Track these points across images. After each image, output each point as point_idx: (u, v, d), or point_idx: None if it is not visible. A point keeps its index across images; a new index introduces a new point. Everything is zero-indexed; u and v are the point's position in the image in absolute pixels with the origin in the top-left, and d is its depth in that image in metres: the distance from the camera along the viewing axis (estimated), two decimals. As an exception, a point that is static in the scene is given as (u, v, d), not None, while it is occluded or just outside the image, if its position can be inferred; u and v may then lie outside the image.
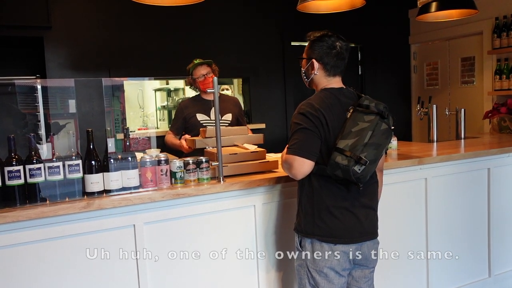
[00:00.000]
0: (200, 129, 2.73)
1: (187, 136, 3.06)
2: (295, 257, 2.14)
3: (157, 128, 5.69)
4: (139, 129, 5.41)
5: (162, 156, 2.16)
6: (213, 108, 3.23)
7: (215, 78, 2.27)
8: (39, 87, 2.88)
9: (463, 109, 4.05)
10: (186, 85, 5.16)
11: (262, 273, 2.40)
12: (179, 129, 3.34)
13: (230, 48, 4.89)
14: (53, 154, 2.05)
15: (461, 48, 5.22)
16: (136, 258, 2.09)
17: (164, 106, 5.89)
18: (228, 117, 3.35)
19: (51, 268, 1.92)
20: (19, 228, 1.85)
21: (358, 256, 2.03)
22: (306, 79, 2.14)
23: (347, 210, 1.98)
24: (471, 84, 5.15)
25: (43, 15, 3.88)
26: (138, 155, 2.23)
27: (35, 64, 4.30)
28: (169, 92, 5.90)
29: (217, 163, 2.27)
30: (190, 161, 2.21)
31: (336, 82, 2.08)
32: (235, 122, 3.36)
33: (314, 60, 2.05)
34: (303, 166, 1.89)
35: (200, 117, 3.28)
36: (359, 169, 1.84)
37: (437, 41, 5.50)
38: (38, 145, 2.06)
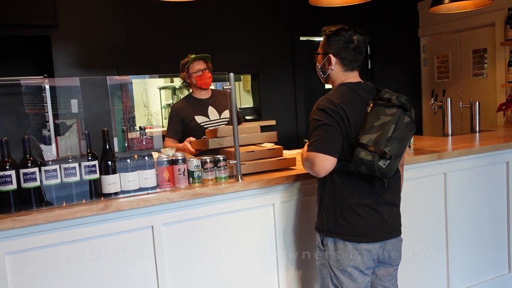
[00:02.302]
0: (206, 130, 2.66)
1: (191, 138, 2.92)
2: (316, 256, 2.09)
3: (163, 126, 5.64)
4: (139, 127, 5.30)
5: (179, 155, 2.11)
6: (210, 108, 3.18)
7: (232, 74, 2.20)
8: (47, 87, 2.83)
9: (477, 102, 3.98)
10: (180, 78, 4.97)
11: (282, 272, 2.35)
12: (178, 133, 3.16)
13: (238, 44, 4.83)
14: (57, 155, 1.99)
15: (472, 40, 5.14)
16: (155, 260, 2.04)
17: (169, 104, 5.84)
18: (227, 114, 3.24)
19: (69, 272, 1.88)
20: (37, 232, 1.80)
21: (382, 255, 1.98)
22: (322, 75, 2.08)
23: (371, 207, 1.93)
24: (483, 76, 5.07)
25: (50, 13, 3.83)
26: (153, 155, 2.18)
27: (42, 64, 4.25)
28: (174, 90, 5.84)
29: (235, 161, 2.22)
30: (208, 160, 2.16)
31: (354, 77, 2.02)
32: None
33: (331, 55, 1.99)
34: (326, 163, 1.84)
35: (199, 119, 3.14)
36: (384, 164, 1.79)
37: (447, 34, 5.43)
38: (46, 146, 2.01)
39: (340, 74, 2.01)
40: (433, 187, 2.84)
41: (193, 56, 3.17)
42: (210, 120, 3.16)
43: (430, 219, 2.84)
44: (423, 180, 2.80)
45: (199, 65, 3.13)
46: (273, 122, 4.85)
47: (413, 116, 1.90)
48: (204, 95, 3.23)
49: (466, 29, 5.16)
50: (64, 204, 1.88)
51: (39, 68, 4.21)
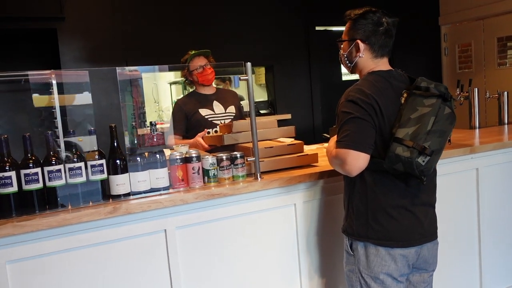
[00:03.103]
0: (220, 124, 2.49)
1: (203, 133, 2.76)
2: (344, 261, 1.91)
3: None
4: (150, 122, 5.17)
5: (193, 152, 1.95)
6: (214, 102, 3.01)
7: (249, 64, 2.03)
8: (54, 82, 2.69)
9: (506, 92, 3.75)
10: (181, 76, 4.73)
11: (305, 278, 2.18)
12: (183, 130, 3.00)
13: (250, 35, 4.65)
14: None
15: (497, 27, 4.90)
16: (169, 266, 1.89)
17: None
18: (232, 109, 3.08)
19: (76, 280, 1.73)
20: (40, 238, 1.65)
21: (417, 260, 1.80)
22: (348, 64, 1.89)
23: (406, 209, 1.75)
24: (505, 66, 4.83)
25: (56, 5, 3.68)
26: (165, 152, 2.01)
27: (48, 59, 4.12)
28: (184, 85, 5.69)
29: (253, 159, 2.04)
30: (224, 157, 1.99)
31: (384, 64, 1.84)
32: (238, 115, 3.10)
33: (359, 41, 1.80)
34: (359, 161, 1.65)
35: (203, 112, 2.97)
36: (424, 161, 1.61)
37: (469, 21, 5.18)
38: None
39: (369, 62, 1.83)
40: (465, 183, 2.65)
41: (193, 52, 3.01)
42: (216, 113, 3.00)
43: (461, 217, 2.65)
44: (454, 176, 2.60)
45: (199, 61, 2.97)
46: (288, 116, 4.67)
47: (453, 107, 1.71)
48: (208, 91, 3.08)
49: (490, 15, 4.91)
50: (69, 207, 1.72)
51: (45, 64, 4.07)
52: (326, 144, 3.05)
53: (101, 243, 1.76)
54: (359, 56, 1.82)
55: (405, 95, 1.74)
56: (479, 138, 3.01)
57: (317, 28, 4.89)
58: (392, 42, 1.84)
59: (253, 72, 5.16)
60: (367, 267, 1.79)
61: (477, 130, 3.49)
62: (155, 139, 2.09)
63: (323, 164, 2.30)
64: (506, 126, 3.65)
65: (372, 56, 1.82)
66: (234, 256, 2.02)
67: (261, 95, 5.11)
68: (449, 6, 5.26)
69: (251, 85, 2.03)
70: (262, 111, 4.69)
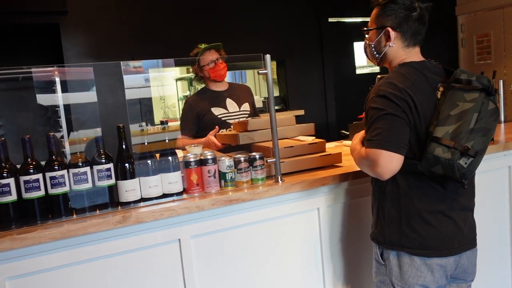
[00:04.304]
0: (234, 122, 2.32)
1: (215, 131, 2.57)
2: (374, 271, 1.74)
3: (180, 120, 5.33)
4: (160, 121, 5.10)
5: (209, 153, 1.78)
6: (228, 100, 2.82)
7: (268, 56, 1.86)
8: (57, 79, 2.53)
9: (532, 84, 3.55)
10: (192, 72, 4.51)
11: (330, 288, 2.01)
12: (193, 131, 2.80)
13: (260, 29, 4.47)
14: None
15: (519, 16, 4.69)
16: (183, 278, 1.73)
17: (186, 96, 5.56)
18: (247, 106, 2.89)
19: (83, 297, 1.57)
20: (42, 252, 1.50)
21: (455, 270, 1.63)
22: (376, 55, 1.71)
23: (444, 214, 1.58)
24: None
25: (58, -2, 3.53)
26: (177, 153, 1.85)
27: (51, 55, 3.97)
28: (191, 81, 5.54)
29: (274, 160, 1.88)
30: (242, 159, 1.82)
31: (416, 54, 1.66)
32: (252, 112, 2.91)
33: (389, 29, 1.62)
34: (392, 163, 1.47)
35: (216, 111, 2.78)
36: (466, 163, 1.44)
37: (488, 10, 4.96)
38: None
39: (400, 52, 1.65)
40: (496, 182, 2.48)
41: (203, 45, 2.79)
42: (229, 112, 2.81)
43: (493, 219, 2.47)
44: (485, 175, 2.41)
45: (210, 56, 2.76)
46: (301, 112, 4.49)
47: (497, 102, 1.53)
48: (220, 87, 2.87)
49: (511, 4, 4.69)
50: (74, 216, 1.57)
51: (47, 60, 3.92)
52: (345, 142, 2.88)
53: (110, 255, 1.60)
54: (389, 46, 1.64)
55: (441, 89, 1.56)
56: (507, 134, 2.82)
57: (330, 19, 4.70)
58: (425, 29, 1.66)
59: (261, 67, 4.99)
60: (400, 278, 1.62)
61: (502, 125, 3.29)
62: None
63: (347, 164, 2.13)
64: (532, 120, 3.46)
65: (404, 46, 1.64)
66: (254, 266, 1.86)
67: (267, 92, 4.94)
68: (467, -5, 5.06)
69: (270, 79, 1.86)
70: (269, 108, 4.52)
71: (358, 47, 4.91)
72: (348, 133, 2.95)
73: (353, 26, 4.77)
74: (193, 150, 1.94)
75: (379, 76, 2.81)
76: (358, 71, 4.99)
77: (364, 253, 2.06)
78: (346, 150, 2.45)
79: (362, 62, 5.02)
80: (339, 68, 4.87)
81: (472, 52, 5.23)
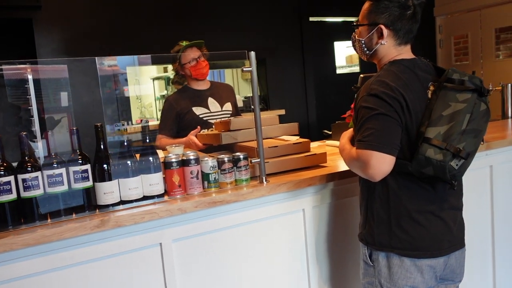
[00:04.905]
0: (216, 122, 2.26)
1: (196, 131, 2.49)
2: (361, 272, 1.71)
3: (157, 119, 5.26)
4: (137, 121, 5.01)
5: (191, 154, 1.71)
6: (209, 99, 2.75)
7: (252, 53, 1.80)
8: (29, 76, 2.42)
9: (510, 84, 3.60)
10: (172, 70, 4.39)
11: (315, 290, 1.97)
12: (173, 130, 2.72)
13: (241, 27, 4.41)
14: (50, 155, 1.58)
15: (495, 17, 4.76)
16: (165, 283, 1.66)
17: (163, 95, 5.48)
18: (229, 106, 2.82)
19: (58, 306, 1.48)
20: (14, 259, 1.40)
21: (444, 270, 1.61)
22: (367, 51, 1.66)
23: (434, 214, 1.56)
24: (499, 58, 4.71)
25: (31, -8, 3.39)
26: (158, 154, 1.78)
27: (23, 52, 3.81)
28: (168, 81, 5.46)
29: (258, 160, 1.82)
30: (226, 159, 1.76)
31: (407, 52, 1.63)
32: (234, 112, 2.85)
33: (382, 26, 1.58)
34: (384, 164, 1.43)
35: (197, 111, 2.71)
36: (457, 164, 1.41)
37: (466, 12, 5.03)
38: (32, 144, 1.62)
39: (392, 49, 1.61)
40: (478, 182, 2.48)
41: (185, 43, 2.71)
42: (211, 112, 2.73)
43: (474, 217, 2.48)
44: (467, 175, 2.37)
45: (192, 53, 2.68)
46: (282, 112, 4.44)
47: (488, 102, 1.51)
48: (202, 86, 2.80)
49: (488, 5, 4.76)
50: (49, 221, 1.48)
51: (19, 56, 3.76)
52: (328, 142, 2.85)
53: (87, 261, 1.52)
54: (381, 44, 1.61)
55: (432, 88, 1.54)
56: (489, 134, 2.84)
57: (311, 19, 4.68)
58: (417, 27, 1.63)
59: (241, 66, 4.94)
60: (389, 280, 1.59)
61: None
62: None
63: (332, 164, 2.10)
64: (510, 120, 3.50)
65: (396, 44, 1.61)
66: (238, 269, 1.81)
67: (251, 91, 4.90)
68: (445, -4, 5.12)
69: (255, 77, 1.80)
70: (253, 107, 4.47)
71: (339, 47, 4.91)
72: (330, 132, 2.92)
73: (334, 26, 4.77)
74: (175, 150, 1.88)
75: (361, 75, 2.80)
76: (338, 71, 4.99)
77: (350, 254, 2.03)
78: (330, 150, 2.42)
79: (342, 62, 5.02)
80: (319, 68, 4.86)
81: (450, 53, 5.30)
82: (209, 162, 1.73)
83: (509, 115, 3.61)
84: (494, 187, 2.51)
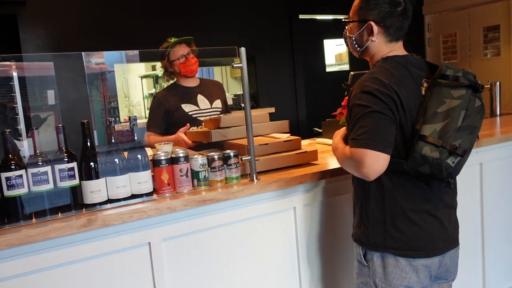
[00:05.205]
0: (205, 119, 2.23)
1: (185, 128, 2.44)
2: (355, 272, 1.69)
3: (145, 117, 5.21)
4: (125, 120, 4.90)
5: (181, 151, 1.68)
6: (199, 96, 2.71)
7: (243, 49, 1.78)
8: (14, 74, 2.36)
9: (498, 83, 3.62)
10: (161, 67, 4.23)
11: (306, 289, 1.95)
12: (161, 127, 2.67)
13: (230, 24, 4.37)
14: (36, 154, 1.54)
15: (483, 16, 4.78)
16: (154, 284, 1.62)
17: (152, 93, 5.43)
18: (218, 104, 2.79)
19: (43, 308, 1.44)
20: (-3, 260, 1.36)
21: (439, 269, 1.60)
22: (358, 48, 1.64)
23: (429, 214, 1.54)
24: (486, 56, 4.74)
25: (15, -13, 3.32)
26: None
27: (7, 48, 3.72)
28: (156, 79, 5.41)
29: (249, 158, 1.80)
30: (216, 157, 1.73)
31: (399, 48, 1.61)
32: (224, 109, 2.81)
33: (372, 23, 1.55)
34: (378, 163, 1.41)
35: (187, 108, 2.66)
36: (454, 162, 1.40)
37: (454, 10, 5.05)
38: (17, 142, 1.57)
39: (383, 46, 1.59)
40: (468, 179, 2.48)
41: (173, 39, 2.67)
42: (200, 109, 2.69)
43: (464, 214, 2.47)
44: (458, 172, 2.43)
45: (181, 50, 2.64)
46: (272, 110, 4.42)
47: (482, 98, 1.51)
48: (191, 83, 2.76)
49: (477, 4, 4.79)
50: (34, 220, 1.43)
51: (3, 53, 3.68)
52: (318, 139, 2.83)
53: (73, 261, 1.48)
54: (372, 40, 1.59)
55: (425, 84, 1.52)
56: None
57: (301, 16, 4.66)
58: (408, 23, 1.62)
59: (229, 63, 4.90)
60: (384, 280, 1.57)
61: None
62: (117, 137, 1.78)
63: (323, 162, 2.08)
64: (498, 118, 3.52)
65: (387, 40, 1.59)
66: (228, 268, 1.78)
67: (241, 88, 4.87)
68: (433, -5, 5.14)
69: (245, 73, 1.78)
70: (243, 105, 4.45)
71: (328, 45, 4.90)
72: (321, 130, 2.90)
73: (323, 24, 4.75)
74: (163, 148, 1.84)
75: (352, 73, 2.79)
76: (328, 69, 4.98)
77: (341, 252, 2.02)
78: (320, 148, 2.40)
79: (331, 60, 5.01)
80: (309, 66, 4.85)
81: (439, 51, 5.32)
82: (199, 160, 1.70)
83: (498, 113, 3.63)
84: (484, 185, 2.51)
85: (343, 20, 1.69)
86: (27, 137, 1.88)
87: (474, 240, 2.53)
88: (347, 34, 1.66)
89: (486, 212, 2.53)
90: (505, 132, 2.64)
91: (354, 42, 1.64)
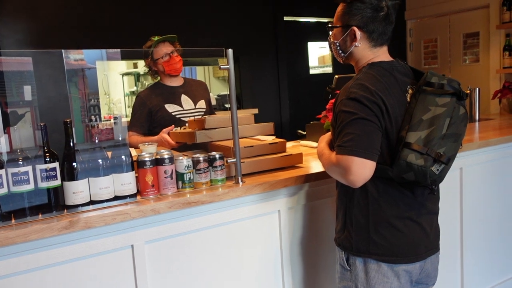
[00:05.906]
0: (189, 120, 2.21)
1: (169, 129, 2.41)
2: (337, 276, 1.69)
3: (126, 116, 5.13)
4: (104, 117, 4.82)
5: (165, 152, 1.66)
6: (183, 96, 2.68)
7: (230, 50, 1.76)
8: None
9: (477, 89, 3.69)
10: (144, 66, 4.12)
11: (289, 292, 1.95)
12: (144, 127, 2.63)
13: (214, 25, 4.35)
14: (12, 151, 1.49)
15: (463, 23, 4.87)
16: (136, 287, 1.60)
17: (133, 91, 5.35)
18: (202, 104, 2.76)
19: (21, 312, 1.40)
20: (-26, 262, 1.31)
21: (420, 274, 1.62)
22: (341, 53, 1.65)
23: (412, 220, 1.56)
24: (466, 63, 4.84)
25: (-5, -20, 3.23)
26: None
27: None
28: (138, 77, 5.34)
29: (234, 160, 1.78)
30: (201, 159, 1.72)
31: (384, 53, 1.62)
32: (208, 110, 2.79)
33: (355, 28, 1.56)
34: (365, 170, 1.41)
35: (170, 108, 2.63)
36: (438, 170, 1.42)
37: (436, 17, 5.13)
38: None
39: (367, 52, 1.60)
40: (449, 184, 2.51)
41: (157, 38, 2.64)
42: (184, 110, 2.66)
43: (444, 218, 2.50)
44: (439, 177, 2.46)
45: (165, 48, 2.60)
46: (255, 111, 4.40)
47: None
48: (175, 82, 2.72)
49: (457, 11, 4.88)
50: (13, 222, 1.39)
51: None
52: (302, 142, 2.84)
53: (54, 264, 1.44)
54: (355, 46, 1.59)
55: (410, 91, 1.53)
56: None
57: (285, 18, 4.66)
58: (391, 28, 1.63)
59: (214, 64, 4.86)
60: (366, 285, 1.58)
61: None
62: (104, 134, 1.75)
63: (307, 165, 2.08)
64: (477, 123, 3.59)
65: (371, 46, 1.59)
66: (212, 271, 1.76)
67: (225, 89, 4.84)
68: (415, 1, 5.20)
69: (232, 75, 1.76)
70: (227, 105, 4.42)
71: (312, 47, 4.92)
72: (305, 133, 2.91)
73: (308, 26, 4.76)
74: (148, 149, 1.81)
75: (336, 76, 2.80)
76: (311, 71, 5.00)
77: (325, 256, 2.02)
78: (305, 150, 2.41)
79: (315, 63, 5.03)
80: (293, 68, 4.85)
81: (420, 56, 5.40)
82: (184, 161, 1.68)
83: (477, 118, 3.71)
84: (464, 189, 2.56)
85: (327, 26, 1.69)
86: (4, 133, 1.83)
87: (453, 243, 2.57)
88: (331, 40, 1.66)
89: (465, 216, 2.58)
90: (484, 137, 2.69)
91: (338, 47, 1.64)
